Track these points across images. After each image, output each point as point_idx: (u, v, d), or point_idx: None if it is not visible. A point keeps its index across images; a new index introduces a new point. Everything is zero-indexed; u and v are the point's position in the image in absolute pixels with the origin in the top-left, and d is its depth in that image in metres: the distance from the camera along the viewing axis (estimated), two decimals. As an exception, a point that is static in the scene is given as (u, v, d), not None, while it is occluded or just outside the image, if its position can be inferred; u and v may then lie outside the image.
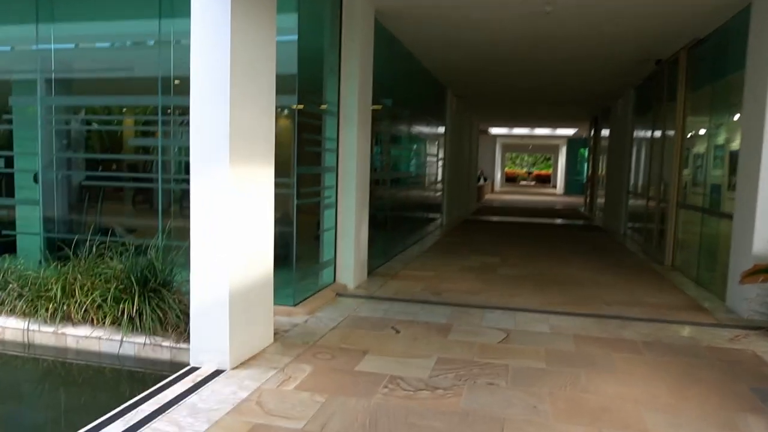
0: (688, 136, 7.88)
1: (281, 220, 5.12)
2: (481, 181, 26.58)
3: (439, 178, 12.59)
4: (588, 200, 18.93)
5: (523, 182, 48.08)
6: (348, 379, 3.32)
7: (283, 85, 4.76)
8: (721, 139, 6.72)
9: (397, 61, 8.49)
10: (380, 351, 3.89)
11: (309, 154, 5.85)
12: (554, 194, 31.45)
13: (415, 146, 10.26)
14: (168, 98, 5.13)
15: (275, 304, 4.57)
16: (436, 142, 12.18)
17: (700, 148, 7.58)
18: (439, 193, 12.56)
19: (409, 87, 9.51)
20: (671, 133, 8.30)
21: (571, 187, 30.48)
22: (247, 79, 3.52)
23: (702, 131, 7.45)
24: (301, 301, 4.99)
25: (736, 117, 6.16)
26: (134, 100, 5.69)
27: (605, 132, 15.72)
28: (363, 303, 5.43)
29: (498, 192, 32.03)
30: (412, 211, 10.19)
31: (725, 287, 5.80)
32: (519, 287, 6.26)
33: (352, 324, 4.62)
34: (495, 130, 27.47)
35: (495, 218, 15.32)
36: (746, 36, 5.64)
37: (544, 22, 6.84)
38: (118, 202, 6.33)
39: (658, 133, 9.25)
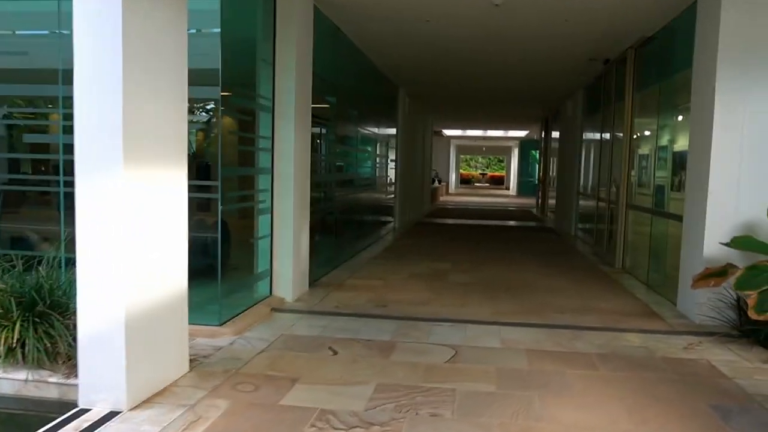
0: (635, 136, 7.77)
1: (205, 227, 4.64)
2: (436, 183, 26.46)
3: (392, 180, 12.25)
4: (540, 202, 18.96)
5: (478, 184, 48.40)
6: (269, 417, 2.89)
7: (206, 78, 4.31)
8: (666, 140, 6.59)
9: (343, 57, 8.09)
10: (312, 378, 3.47)
11: (241, 155, 5.39)
12: (507, 196, 31.62)
13: (364, 147, 9.88)
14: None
15: (197, 324, 4.10)
16: (388, 143, 11.83)
17: (646, 148, 7.46)
18: (391, 196, 12.22)
19: (358, 85, 9.12)
20: (620, 133, 8.18)
21: (523, 189, 30.71)
22: (148, 66, 3.02)
23: (648, 132, 7.33)
24: (228, 320, 4.52)
25: (681, 117, 6.02)
26: (32, 90, 5.08)
27: (556, 133, 15.72)
28: (300, 319, 4.99)
29: (453, 194, 32.00)
30: (361, 214, 9.80)
31: (676, 291, 5.62)
32: (470, 295, 5.95)
33: (285, 345, 4.19)
34: (449, 132, 27.40)
35: (449, 221, 15.09)
36: (692, 34, 5.48)
37: (494, 17, 6.56)
38: (46, 207, 5.70)
39: (606, 134, 9.14)
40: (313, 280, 6.31)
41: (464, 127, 24.84)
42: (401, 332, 4.60)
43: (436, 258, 8.31)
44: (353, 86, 8.78)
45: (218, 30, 4.32)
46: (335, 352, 4.03)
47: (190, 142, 3.54)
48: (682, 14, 5.98)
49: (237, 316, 4.68)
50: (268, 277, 5.61)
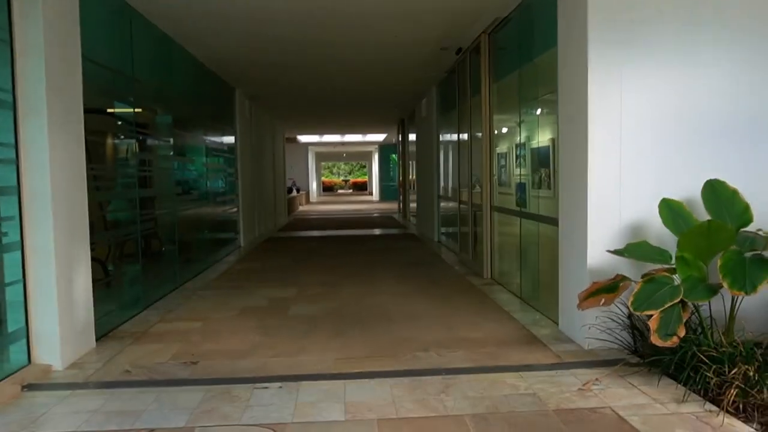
0: (497, 131, 7.02)
1: None
2: (294, 193, 25.06)
3: (234, 192, 10.68)
4: (401, 206, 18.29)
5: (341, 191, 47.69)
6: None
7: None
8: (530, 133, 5.83)
9: (153, 50, 6.50)
10: None
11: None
12: (370, 201, 30.98)
13: (191, 156, 8.27)
14: None
15: None
16: (224, 151, 10.26)
17: (507, 144, 6.73)
18: (233, 210, 10.64)
19: (176, 83, 7.53)
20: (478, 131, 7.41)
21: (386, 194, 30.25)
22: None
23: (509, 125, 6.58)
24: None
25: (545, 107, 5.25)
26: None
27: (413, 135, 15.04)
28: (64, 399, 3.42)
29: (314, 202, 30.74)
30: (190, 235, 8.18)
31: (556, 306, 4.78)
32: (312, 335, 4.68)
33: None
34: (304, 138, 26.12)
35: (305, 233, 13.77)
36: (554, 8, 4.68)
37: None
38: None
39: (464, 132, 8.38)
40: (106, 332, 4.70)
41: (320, 133, 23.69)
42: (206, 407, 3.22)
43: (281, 283, 6.96)
44: (171, 85, 7.20)
45: None
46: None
47: None
48: (539, -14, 5.21)
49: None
50: (24, 339, 3.95)
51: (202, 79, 8.58)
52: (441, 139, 10.92)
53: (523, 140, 6.05)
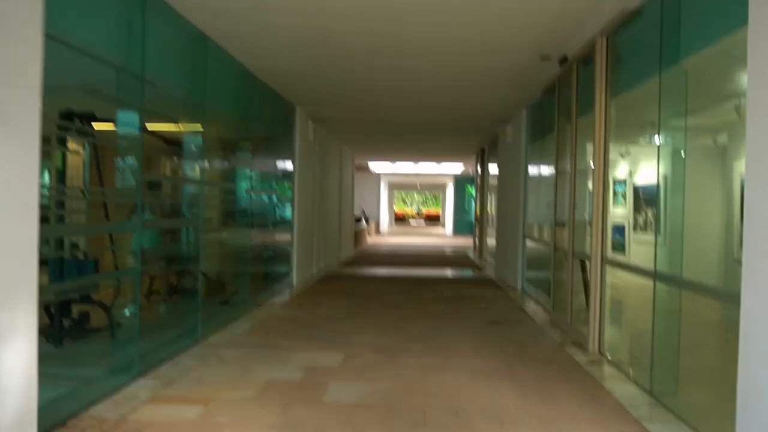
0: (617, 157, 5.37)
1: None
2: (363, 224, 23.87)
3: (289, 222, 9.45)
4: (477, 244, 16.57)
5: (413, 222, 46.32)
6: None
7: None
8: (678, 157, 4.16)
9: (196, 58, 5.40)
10: None
11: None
12: (443, 235, 29.33)
13: (230, 180, 7.11)
14: None
15: None
16: (279, 176, 9.08)
17: (635, 174, 5.07)
18: (285, 243, 9.39)
19: (216, 93, 6.39)
20: (587, 157, 5.77)
21: (459, 228, 28.52)
22: None
23: (640, 148, 4.93)
24: None
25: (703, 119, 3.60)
26: None
27: (494, 165, 13.40)
28: None
29: (384, 234, 29.44)
30: (228, 271, 6.98)
31: (729, 424, 3.03)
32: (350, 446, 3.17)
33: None
34: (377, 167, 25.00)
35: (368, 271, 12.35)
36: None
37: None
38: None
39: (564, 159, 6.74)
40: (63, 419, 3.38)
41: (392, 160, 22.45)
42: None
43: (326, 343, 5.51)
44: (208, 95, 6.07)
45: None
46: None
47: None
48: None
49: None
50: None
51: (252, 91, 7.38)
52: (530, 169, 9.27)
53: (667, 169, 4.36)
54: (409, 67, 6.89)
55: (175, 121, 5.32)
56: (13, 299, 2.82)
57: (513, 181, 10.22)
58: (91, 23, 3.97)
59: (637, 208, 5.08)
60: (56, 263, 4.80)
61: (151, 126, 4.72)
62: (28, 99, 2.87)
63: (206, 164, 6.07)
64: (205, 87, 5.58)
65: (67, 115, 4.51)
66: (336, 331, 6.02)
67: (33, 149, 2.92)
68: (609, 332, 5.29)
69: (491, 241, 13.77)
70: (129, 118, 4.43)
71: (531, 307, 7.85)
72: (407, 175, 28.02)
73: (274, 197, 8.86)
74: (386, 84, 7.86)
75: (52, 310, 4.80)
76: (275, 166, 8.90)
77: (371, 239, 24.12)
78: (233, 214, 7.17)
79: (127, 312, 6.56)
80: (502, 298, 8.59)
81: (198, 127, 5.59)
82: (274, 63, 6.64)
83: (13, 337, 2.84)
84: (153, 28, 4.59)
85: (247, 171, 7.49)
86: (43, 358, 2.97)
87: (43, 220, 3.18)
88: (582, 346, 5.50)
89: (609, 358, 5.11)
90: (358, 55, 6.21)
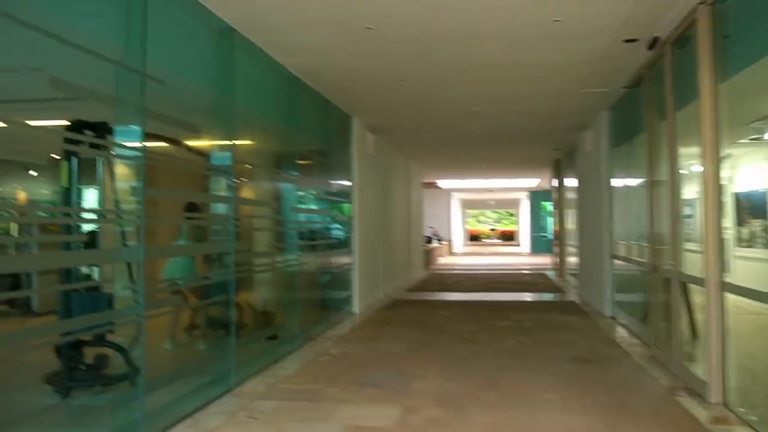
0: (725, 153, 4.29)
1: None
2: (434, 243, 22.98)
3: (347, 245, 8.76)
4: (556, 263, 15.26)
5: (487, 241, 44.85)
6: None
7: None
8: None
9: (223, 55, 4.80)
10: None
11: None
12: (519, 254, 27.88)
13: (270, 198, 6.49)
14: None
15: None
16: (334, 193, 8.43)
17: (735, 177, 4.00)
18: (345, 268, 8.69)
19: (261, 102, 5.81)
20: (689, 159, 4.72)
21: (536, 246, 26.99)
22: None
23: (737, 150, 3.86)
24: None
25: None
26: None
27: (572, 177, 12.21)
28: None
29: (457, 254, 28.34)
30: (276, 301, 6.35)
31: None
32: None
33: None
34: (446, 183, 24.11)
35: (437, 296, 11.43)
36: None
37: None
38: None
39: (658, 164, 5.64)
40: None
41: (462, 177, 21.48)
42: None
43: (380, 392, 4.67)
44: (254, 104, 5.49)
45: None
46: None
47: None
48: None
49: None
50: None
51: (297, 97, 6.69)
52: (613, 179, 8.14)
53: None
54: (474, 61, 6.02)
55: (199, 130, 4.71)
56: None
57: (594, 194, 9.08)
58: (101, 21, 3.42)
59: (740, 219, 4.40)
60: (65, 298, 4.27)
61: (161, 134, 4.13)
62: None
63: (246, 181, 5.47)
64: (233, 89, 4.93)
65: (77, 127, 3.98)
66: (395, 374, 5.17)
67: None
68: (736, 377, 4.16)
69: (572, 259, 12.53)
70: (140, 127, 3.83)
71: (624, 338, 6.70)
72: (479, 190, 26.92)
73: (329, 217, 8.20)
74: (450, 85, 7.03)
75: (69, 353, 4.28)
76: (330, 183, 8.24)
77: (443, 260, 23.14)
78: (282, 237, 6.53)
79: (167, 346, 6.04)
80: (589, 327, 7.45)
81: (230, 136, 4.95)
82: (316, 61, 5.90)
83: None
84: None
85: (296, 187, 6.84)
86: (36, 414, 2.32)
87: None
88: (698, 394, 4.38)
89: (738, 413, 3.98)
90: (413, 44, 5.41)
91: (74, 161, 4.25)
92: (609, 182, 8.26)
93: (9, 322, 7.24)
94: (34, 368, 4.30)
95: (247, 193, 6.22)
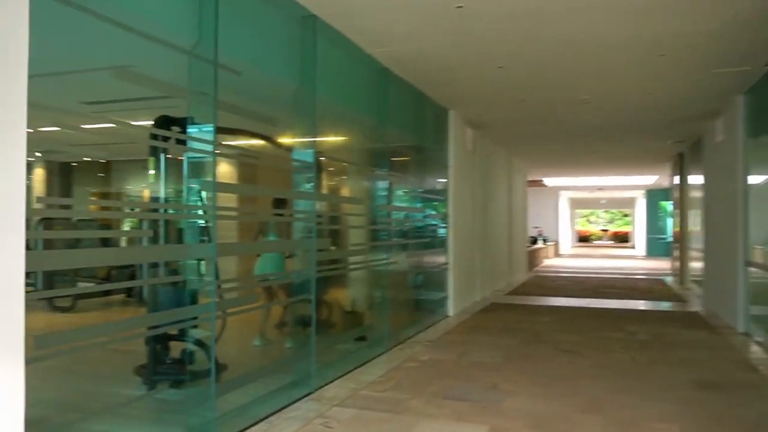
0: None
1: None
2: (539, 244, 21.97)
3: (442, 244, 8.34)
4: (676, 269, 13.88)
5: (598, 242, 42.50)
6: None
7: None
8: None
9: (305, 43, 4.57)
10: None
11: None
12: (633, 257, 25.99)
13: (370, 195, 6.20)
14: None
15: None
16: (429, 190, 8.03)
17: None
18: (440, 268, 8.28)
19: (354, 95, 5.56)
20: None
21: (652, 249, 25.00)
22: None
23: None
24: None
25: None
26: None
27: (697, 173, 10.96)
28: None
29: (564, 255, 26.93)
30: (364, 301, 6.08)
31: None
32: None
33: None
34: (553, 181, 22.95)
35: (539, 300, 10.69)
36: None
37: None
38: None
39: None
40: None
41: (571, 174, 20.27)
42: None
43: (467, 407, 4.22)
44: (345, 99, 5.26)
45: None
46: None
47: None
48: None
49: None
50: None
51: (387, 89, 6.33)
52: (752, 173, 7.08)
53: None
54: (582, 40, 5.38)
55: (277, 123, 4.50)
56: None
57: (726, 191, 7.99)
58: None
59: None
60: (152, 292, 4.24)
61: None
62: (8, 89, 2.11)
63: (329, 177, 5.23)
64: (315, 80, 4.65)
65: (164, 123, 3.91)
66: (486, 387, 4.70)
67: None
68: None
69: (695, 265, 11.27)
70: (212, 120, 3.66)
71: (762, 359, 5.75)
72: (589, 188, 25.40)
73: (422, 215, 7.81)
74: (555, 71, 6.41)
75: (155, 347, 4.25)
76: (424, 180, 7.85)
77: (549, 261, 22.02)
78: (372, 234, 6.25)
79: (256, 342, 5.96)
80: (718, 345, 6.51)
81: (312, 130, 4.70)
82: (404, 49, 5.49)
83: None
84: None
85: (387, 184, 6.53)
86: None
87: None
88: None
89: None
90: (510, 23, 4.89)
91: (162, 157, 4.20)
92: (745, 178, 7.21)
93: (126, 311, 7.64)
94: (130, 358, 4.31)
95: (331, 189, 6.00)
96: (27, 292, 1.97)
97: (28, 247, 2.02)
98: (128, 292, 7.42)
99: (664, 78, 6.61)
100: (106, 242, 6.55)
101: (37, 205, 3.26)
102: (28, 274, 2.04)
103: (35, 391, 4.15)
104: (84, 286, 7.22)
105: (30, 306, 2.07)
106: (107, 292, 7.80)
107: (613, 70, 6.36)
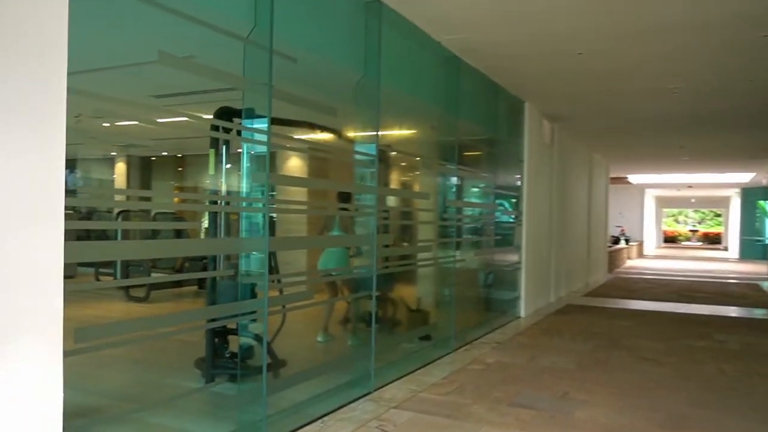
0: None
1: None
2: (622, 244, 20.96)
3: (515, 243, 8.02)
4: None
5: (686, 243, 40.13)
6: None
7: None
8: None
9: (369, 29, 4.45)
10: None
11: None
12: (725, 260, 24.29)
13: (439, 189, 6.01)
14: None
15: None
16: (503, 186, 7.72)
17: None
18: (512, 267, 7.96)
19: (422, 85, 5.39)
20: None
21: (747, 251, 23.27)
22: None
23: None
24: None
25: None
26: None
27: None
28: None
29: (648, 256, 25.57)
30: (426, 300, 5.91)
31: None
32: None
33: None
34: (638, 178, 21.80)
35: (619, 303, 10.11)
36: None
37: None
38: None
39: None
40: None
41: (658, 171, 19.14)
42: None
43: (535, 415, 3.97)
44: (412, 89, 5.10)
45: None
46: None
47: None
48: None
49: None
50: None
51: (458, 79, 6.08)
52: None
53: None
54: (670, 21, 4.95)
55: (337, 113, 4.37)
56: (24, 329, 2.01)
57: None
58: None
59: None
60: (211, 285, 4.25)
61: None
62: (47, 78, 2.09)
63: (395, 171, 5.08)
64: (379, 69, 4.50)
65: (224, 114, 3.89)
66: (555, 395, 4.41)
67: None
68: None
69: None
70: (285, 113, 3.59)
71: None
72: (677, 185, 23.94)
73: (495, 211, 7.52)
74: (639, 57, 5.96)
75: (213, 340, 4.26)
76: (497, 175, 7.55)
77: (632, 262, 20.95)
78: (440, 231, 6.05)
79: (319, 338, 5.91)
80: (822, 359, 5.86)
81: (375, 121, 4.57)
82: (474, 36, 5.23)
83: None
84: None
85: (457, 179, 6.31)
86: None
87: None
88: None
89: None
90: (587, 2, 4.56)
91: (222, 149, 4.19)
92: None
93: (195, 302, 7.84)
94: (192, 350, 4.37)
95: (398, 183, 5.85)
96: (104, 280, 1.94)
97: (106, 237, 2.01)
98: (200, 283, 7.60)
99: (766, 62, 5.99)
100: (179, 234, 6.69)
101: (118, 197, 3.31)
102: (108, 264, 2.02)
103: (95, 380, 4.29)
104: (155, 276, 7.44)
105: (107, 295, 2.06)
106: (179, 283, 8.02)
107: (705, 56, 5.84)
